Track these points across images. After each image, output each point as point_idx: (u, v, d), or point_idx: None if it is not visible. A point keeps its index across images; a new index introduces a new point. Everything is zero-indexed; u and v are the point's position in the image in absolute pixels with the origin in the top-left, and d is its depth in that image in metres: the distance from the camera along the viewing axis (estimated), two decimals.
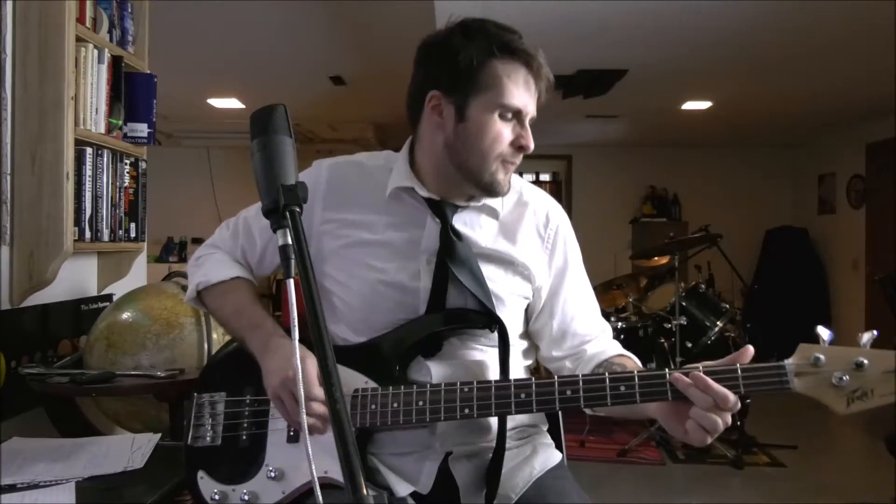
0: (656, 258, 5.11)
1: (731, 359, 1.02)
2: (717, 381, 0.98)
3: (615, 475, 3.68)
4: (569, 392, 1.04)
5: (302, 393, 0.76)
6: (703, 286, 4.40)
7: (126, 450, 1.46)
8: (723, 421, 0.99)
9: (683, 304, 4.18)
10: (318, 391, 1.06)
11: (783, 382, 0.99)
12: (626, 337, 4.20)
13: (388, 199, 1.21)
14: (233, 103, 5.77)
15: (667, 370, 1.02)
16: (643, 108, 5.64)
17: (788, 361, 1.00)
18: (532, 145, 1.16)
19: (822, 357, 0.98)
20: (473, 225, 1.22)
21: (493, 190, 1.17)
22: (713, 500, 3.39)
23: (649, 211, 7.53)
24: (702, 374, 0.99)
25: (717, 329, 4.17)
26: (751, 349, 1.01)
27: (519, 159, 1.18)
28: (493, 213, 1.24)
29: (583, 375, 1.06)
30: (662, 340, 4.18)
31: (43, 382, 1.73)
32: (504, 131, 1.14)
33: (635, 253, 5.61)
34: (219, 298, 1.27)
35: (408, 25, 3.64)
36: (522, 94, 1.14)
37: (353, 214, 1.22)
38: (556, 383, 1.05)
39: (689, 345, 4.13)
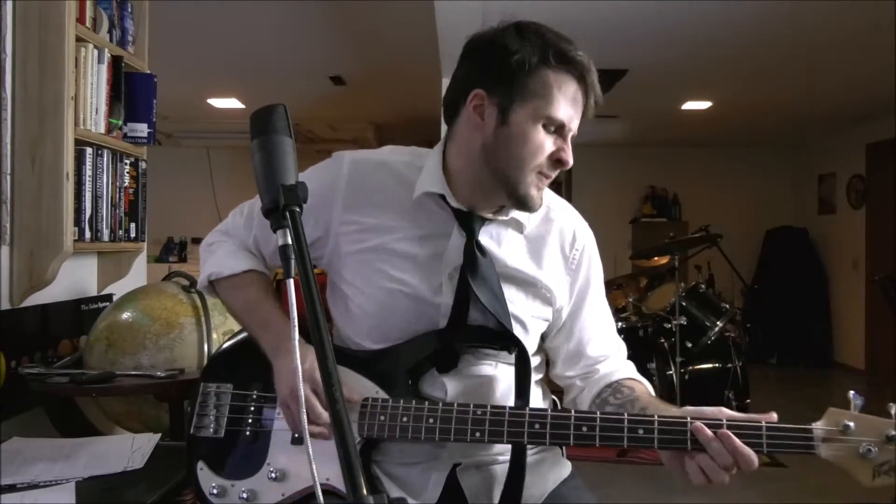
0: (656, 258, 5.11)
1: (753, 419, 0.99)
2: (740, 437, 0.96)
3: (615, 475, 3.68)
4: (585, 429, 1.02)
5: (303, 395, 0.76)
6: (703, 286, 4.40)
7: (126, 450, 1.46)
8: (730, 475, 0.97)
9: (683, 304, 4.17)
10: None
11: (809, 447, 0.96)
12: (626, 337, 4.18)
13: (413, 203, 1.16)
14: (233, 103, 5.77)
15: (688, 419, 0.99)
16: (643, 108, 5.64)
17: (816, 426, 0.97)
18: (570, 162, 1.11)
19: (851, 425, 0.95)
20: (500, 240, 1.18)
21: (525, 204, 1.12)
22: (713, 500, 3.38)
23: (649, 211, 7.53)
24: (728, 432, 0.96)
25: (717, 329, 4.17)
26: (774, 416, 0.98)
27: (555, 174, 1.13)
28: (519, 227, 1.19)
29: (600, 413, 1.03)
30: (662, 340, 4.18)
31: (43, 382, 1.73)
32: (546, 143, 1.09)
33: (635, 253, 5.62)
34: (230, 292, 1.25)
35: (408, 25, 3.65)
36: (569, 108, 1.10)
37: (375, 218, 1.17)
38: (573, 418, 1.03)
39: (689, 345, 4.13)
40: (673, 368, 4.05)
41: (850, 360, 6.43)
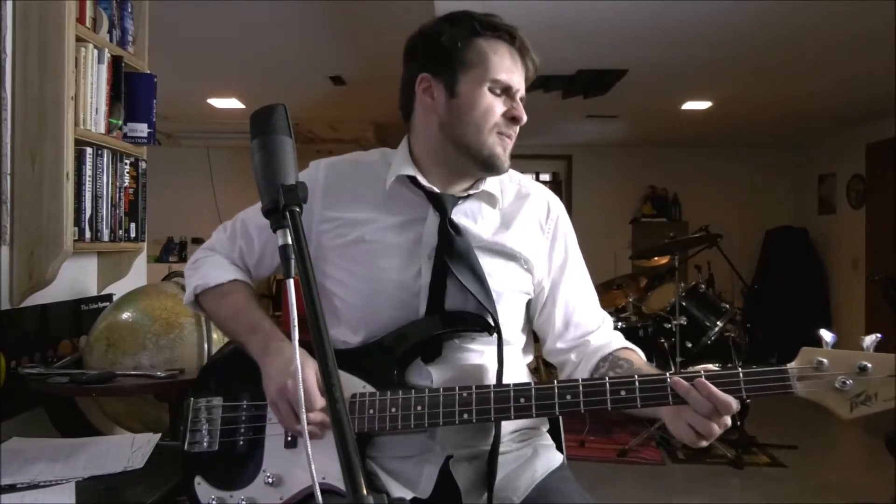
0: (656, 258, 5.11)
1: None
2: (719, 385, 0.98)
3: (615, 475, 3.68)
4: (568, 397, 1.04)
5: (302, 396, 0.76)
6: (703, 286, 4.39)
7: (126, 450, 1.47)
8: (720, 426, 0.99)
9: (683, 304, 4.17)
10: (318, 401, 1.06)
11: (786, 386, 0.99)
12: (626, 337, 4.17)
13: (388, 193, 1.20)
14: (233, 103, 5.77)
15: (667, 374, 1.02)
16: (643, 108, 5.64)
17: (791, 365, 0.99)
18: (524, 117, 1.17)
19: (824, 361, 0.97)
20: (475, 216, 1.22)
21: (492, 165, 1.18)
22: (713, 501, 3.39)
23: (649, 211, 7.53)
24: (704, 379, 0.99)
25: (717, 329, 4.17)
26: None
27: (514, 131, 1.19)
28: (492, 202, 1.23)
29: (582, 380, 1.06)
30: (662, 340, 4.18)
31: (43, 382, 1.73)
32: (495, 104, 1.16)
33: (635, 253, 5.61)
34: (216, 301, 1.27)
35: (408, 25, 3.62)
36: (510, 68, 1.16)
37: (353, 212, 1.21)
38: (556, 388, 1.05)
39: (689, 345, 4.13)
40: (673, 368, 4.04)
41: None
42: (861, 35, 3.64)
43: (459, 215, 1.20)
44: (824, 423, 4.45)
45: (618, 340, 1.26)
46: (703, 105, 5.53)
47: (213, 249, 1.33)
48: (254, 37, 4.01)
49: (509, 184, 1.27)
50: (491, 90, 1.15)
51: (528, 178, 1.32)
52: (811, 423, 4.25)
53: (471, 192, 1.21)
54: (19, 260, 1.83)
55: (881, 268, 5.47)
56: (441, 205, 1.18)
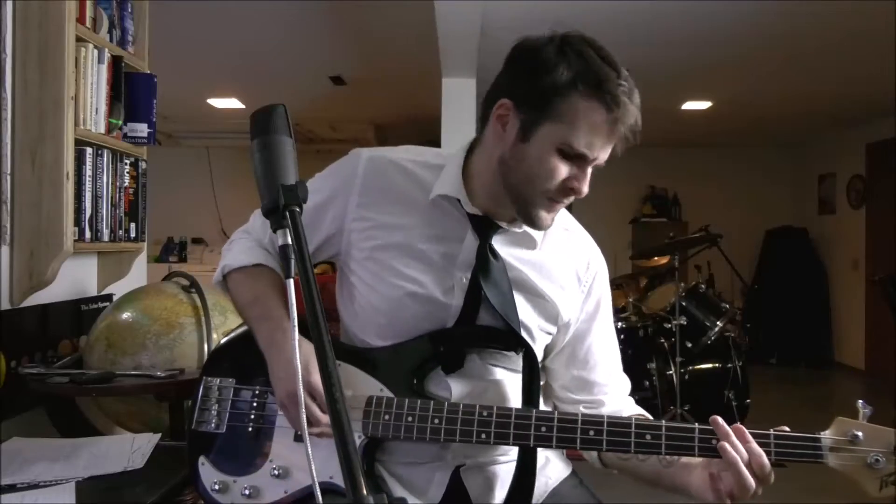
0: (656, 258, 5.11)
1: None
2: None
3: (615, 475, 3.68)
4: (592, 433, 1.02)
5: (302, 398, 0.76)
6: (703, 286, 4.40)
7: (126, 450, 1.47)
8: (750, 485, 0.98)
9: (683, 304, 4.17)
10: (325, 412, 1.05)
11: (817, 455, 0.99)
12: (626, 337, 4.19)
13: (429, 203, 1.15)
14: (233, 103, 5.77)
15: (696, 424, 1.01)
16: (643, 108, 5.60)
17: (824, 435, 0.99)
18: (585, 191, 1.08)
19: (859, 435, 0.97)
20: (511, 249, 1.17)
21: (532, 223, 1.12)
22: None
23: (649, 211, 7.53)
24: (740, 426, 0.98)
25: (717, 329, 4.17)
26: (786, 428, 1.01)
27: (567, 201, 1.11)
28: (531, 243, 1.18)
29: (608, 417, 1.04)
30: (662, 340, 4.18)
31: (43, 382, 1.73)
32: (560, 168, 1.06)
33: (635, 253, 5.62)
34: (239, 284, 1.24)
35: (408, 25, 3.65)
36: (592, 138, 1.05)
37: (389, 216, 1.16)
38: (580, 422, 1.03)
39: (689, 345, 4.13)
40: (673, 368, 4.04)
41: (850, 360, 6.42)
42: (861, 35, 3.64)
43: (497, 244, 1.15)
44: (824, 424, 4.44)
45: (631, 407, 1.23)
46: (703, 105, 5.53)
47: (247, 232, 1.31)
48: (254, 37, 4.02)
49: (555, 226, 1.18)
50: (562, 152, 1.05)
51: (573, 222, 1.27)
52: (811, 423, 4.24)
53: (513, 228, 1.16)
54: (19, 260, 1.83)
55: (881, 268, 5.47)
56: (483, 229, 1.14)
